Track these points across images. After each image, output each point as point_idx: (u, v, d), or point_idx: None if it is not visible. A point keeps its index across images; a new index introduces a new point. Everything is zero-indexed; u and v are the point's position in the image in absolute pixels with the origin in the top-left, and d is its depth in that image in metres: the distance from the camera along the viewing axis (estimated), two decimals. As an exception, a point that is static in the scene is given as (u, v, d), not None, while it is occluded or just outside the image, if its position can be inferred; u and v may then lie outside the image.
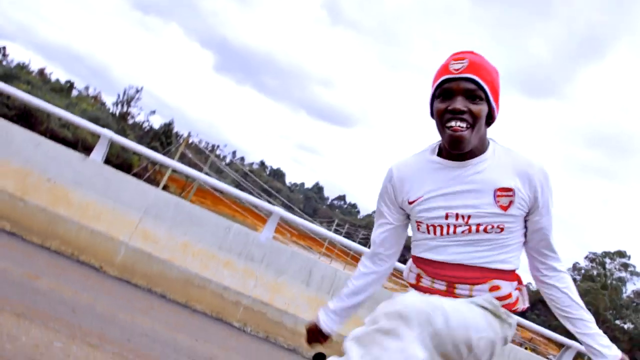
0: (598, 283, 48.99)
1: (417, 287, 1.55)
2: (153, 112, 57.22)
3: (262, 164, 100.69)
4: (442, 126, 1.43)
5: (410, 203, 1.52)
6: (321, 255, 41.93)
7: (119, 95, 51.98)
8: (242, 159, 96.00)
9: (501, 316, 1.41)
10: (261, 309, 4.48)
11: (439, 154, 1.51)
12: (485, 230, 1.43)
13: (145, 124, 54.58)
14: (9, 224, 4.12)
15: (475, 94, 1.39)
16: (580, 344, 1.53)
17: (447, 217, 1.45)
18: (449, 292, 1.45)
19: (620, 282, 49.59)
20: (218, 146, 44.02)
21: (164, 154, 40.89)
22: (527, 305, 1.54)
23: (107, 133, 4.58)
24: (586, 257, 51.71)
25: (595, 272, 51.07)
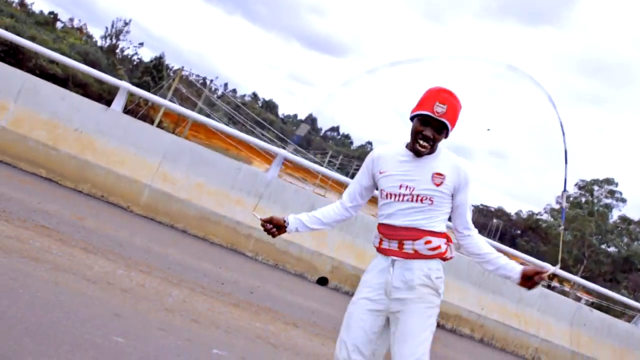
0: (585, 210, 50.29)
1: (380, 249, 2.24)
2: (141, 45, 56.11)
3: (254, 95, 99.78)
4: (413, 138, 2.12)
5: (380, 173, 2.22)
6: (316, 186, 42.83)
7: (107, 29, 50.93)
8: (234, 91, 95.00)
9: (437, 288, 2.14)
10: (270, 240, 5.08)
11: (407, 146, 2.20)
12: (421, 201, 2.13)
13: (135, 58, 53.86)
14: (44, 170, 4.63)
15: (442, 130, 2.09)
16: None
17: (400, 187, 2.14)
18: (400, 248, 2.16)
19: (606, 209, 50.89)
20: (211, 80, 43.62)
21: (158, 89, 40.73)
22: (454, 255, 2.23)
23: (126, 85, 5.01)
24: (575, 184, 52.93)
25: (583, 200, 52.28)
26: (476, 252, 2.25)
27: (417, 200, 2.13)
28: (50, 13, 50.39)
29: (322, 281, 5.19)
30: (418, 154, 2.13)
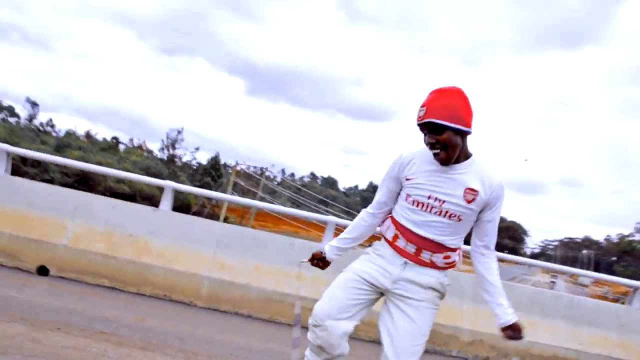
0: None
1: (391, 243, 2.18)
2: (197, 149, 58.97)
3: (312, 175, 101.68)
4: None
5: (407, 179, 2.13)
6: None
7: (162, 141, 54.09)
8: (293, 174, 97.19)
9: (443, 293, 2.18)
10: (337, 310, 4.92)
11: None
12: (449, 217, 2.06)
13: (193, 162, 56.45)
14: (107, 280, 4.75)
15: (437, 129, 1.98)
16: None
17: (429, 197, 2.06)
18: (417, 254, 2.12)
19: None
20: (266, 168, 45.05)
21: (217, 187, 42.23)
22: (461, 262, 2.26)
23: (170, 184, 5.18)
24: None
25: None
26: (484, 275, 2.17)
27: (444, 216, 2.05)
28: (113, 138, 54.37)
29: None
30: (441, 163, 2.04)
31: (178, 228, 5.05)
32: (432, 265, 2.12)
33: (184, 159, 55.09)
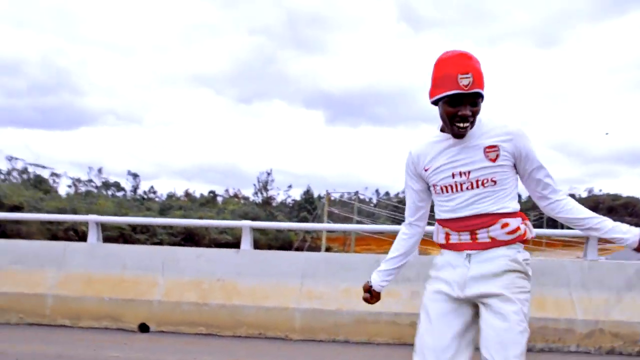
0: None
1: (447, 245, 1.94)
2: (290, 187, 60.49)
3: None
4: (450, 123, 1.81)
5: (426, 170, 1.94)
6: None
7: (254, 185, 56.00)
8: (387, 193, 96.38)
9: (525, 271, 1.85)
10: (436, 321, 4.68)
11: (443, 130, 1.92)
12: (483, 184, 1.83)
13: (288, 200, 57.82)
14: (203, 327, 4.84)
15: (477, 100, 1.78)
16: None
17: (453, 176, 1.86)
18: (473, 240, 1.87)
19: None
20: (357, 192, 45.14)
21: (313, 220, 42.77)
22: (533, 235, 1.92)
23: (247, 223, 5.25)
24: None
25: None
26: (573, 217, 1.88)
27: (477, 186, 1.84)
28: (210, 192, 57.10)
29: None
30: (459, 137, 1.83)
31: (262, 265, 5.08)
32: (495, 243, 1.84)
33: (279, 199, 56.61)
